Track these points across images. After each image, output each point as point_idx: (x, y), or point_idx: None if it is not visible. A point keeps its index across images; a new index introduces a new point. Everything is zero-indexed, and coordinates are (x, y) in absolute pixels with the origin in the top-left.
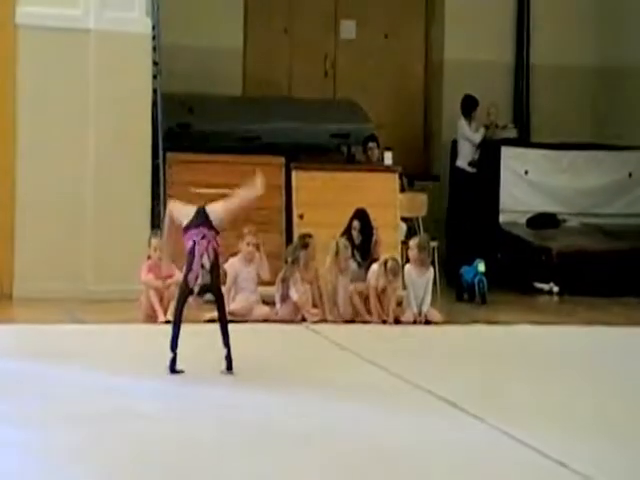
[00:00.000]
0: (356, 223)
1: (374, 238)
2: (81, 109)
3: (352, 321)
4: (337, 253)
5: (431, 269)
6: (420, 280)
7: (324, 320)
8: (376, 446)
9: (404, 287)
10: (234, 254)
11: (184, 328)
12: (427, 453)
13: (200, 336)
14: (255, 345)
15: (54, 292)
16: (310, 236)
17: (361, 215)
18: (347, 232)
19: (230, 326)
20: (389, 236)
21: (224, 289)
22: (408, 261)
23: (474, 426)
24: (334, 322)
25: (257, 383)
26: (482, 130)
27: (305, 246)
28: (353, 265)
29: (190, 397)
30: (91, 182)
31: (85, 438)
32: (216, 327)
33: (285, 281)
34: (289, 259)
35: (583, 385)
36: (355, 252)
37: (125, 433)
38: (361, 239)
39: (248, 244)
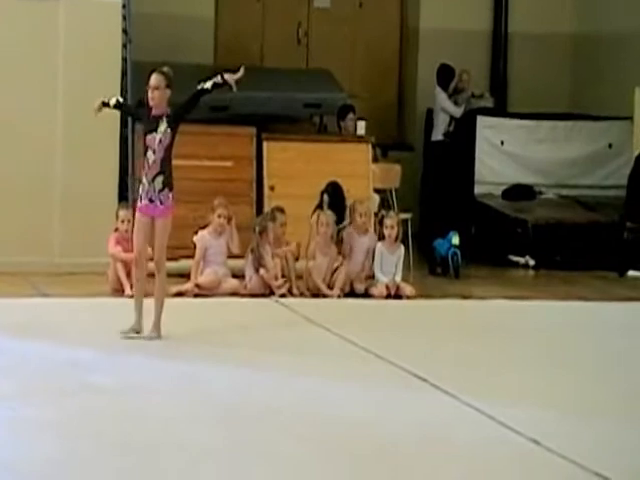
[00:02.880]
0: (326, 197)
1: (347, 209)
2: (50, 78)
3: (317, 295)
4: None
5: (401, 246)
6: (391, 257)
7: (291, 293)
8: (344, 419)
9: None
10: (204, 227)
11: (148, 303)
12: (395, 427)
13: (166, 309)
14: (222, 319)
15: (19, 265)
16: (281, 210)
17: (332, 189)
18: (319, 207)
19: (198, 300)
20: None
21: (193, 261)
22: (382, 238)
23: (445, 402)
24: (302, 296)
25: (222, 357)
26: (463, 106)
27: (273, 219)
28: None
29: (156, 371)
30: (59, 153)
31: (48, 413)
32: (182, 302)
33: (254, 252)
34: (256, 229)
35: (557, 361)
36: None
37: (90, 407)
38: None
39: (219, 216)
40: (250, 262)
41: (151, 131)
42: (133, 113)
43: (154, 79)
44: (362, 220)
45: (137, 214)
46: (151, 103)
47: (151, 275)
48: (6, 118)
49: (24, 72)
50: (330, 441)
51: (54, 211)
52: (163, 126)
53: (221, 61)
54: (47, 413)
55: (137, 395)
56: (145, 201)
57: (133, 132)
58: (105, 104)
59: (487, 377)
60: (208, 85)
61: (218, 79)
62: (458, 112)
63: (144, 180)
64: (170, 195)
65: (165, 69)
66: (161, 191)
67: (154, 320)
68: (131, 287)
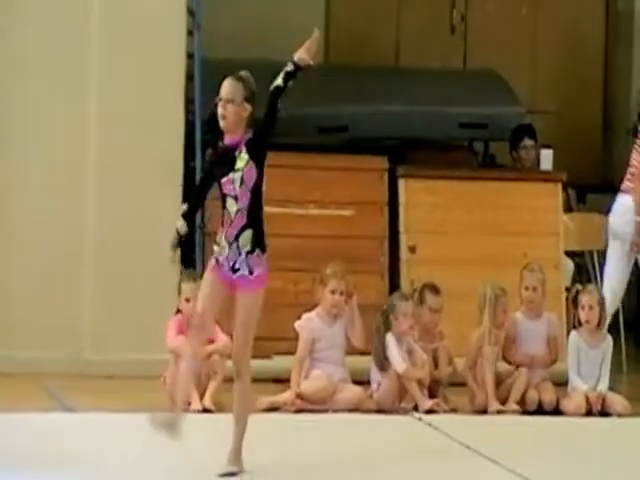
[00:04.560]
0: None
1: None
2: (84, 84)
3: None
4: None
5: (609, 337)
6: (593, 352)
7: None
8: None
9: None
10: (311, 308)
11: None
12: None
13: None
14: (337, 445)
15: (32, 363)
16: (435, 290)
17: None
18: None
19: (301, 416)
20: (548, 279)
21: (294, 360)
22: (577, 325)
23: None
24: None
25: None
26: None
27: (422, 301)
28: None
29: None
30: (91, 196)
31: None
32: (276, 419)
33: (377, 346)
34: (385, 307)
35: None
36: None
37: None
38: None
39: (333, 292)
40: (375, 357)
41: (227, 171)
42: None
43: (226, 88)
44: (529, 295)
45: (209, 273)
46: (222, 125)
47: (229, 380)
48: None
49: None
50: None
51: (82, 284)
52: (244, 159)
53: (336, 59)
54: None
55: None
56: (225, 270)
57: (203, 161)
58: (180, 241)
59: None
60: (279, 81)
61: (289, 67)
62: None
63: (222, 241)
64: (263, 259)
65: (244, 74)
66: (250, 253)
67: (233, 446)
68: (201, 397)
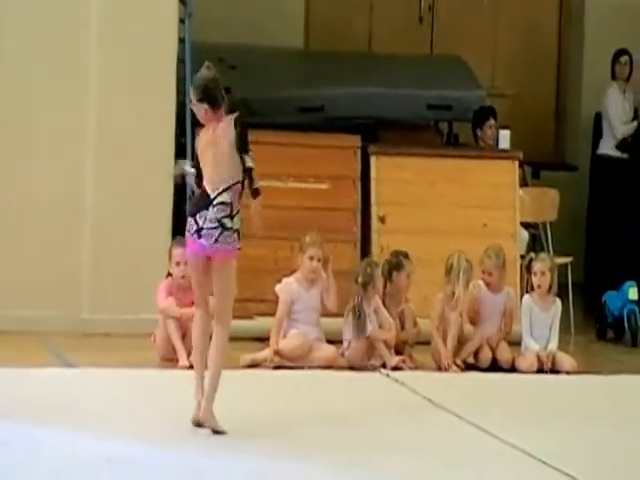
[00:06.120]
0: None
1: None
2: (78, 66)
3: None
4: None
5: (558, 301)
6: (544, 315)
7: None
8: None
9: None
10: (290, 273)
11: None
12: None
13: (235, 385)
14: (311, 400)
15: (34, 322)
16: (406, 256)
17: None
18: None
19: (279, 373)
20: (505, 248)
21: (274, 320)
22: (530, 289)
23: None
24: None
25: (313, 455)
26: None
27: (398, 267)
28: None
29: (217, 473)
30: (90, 171)
31: None
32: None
33: (356, 311)
34: (359, 280)
35: None
36: None
37: None
38: None
39: (311, 258)
40: (350, 323)
41: None
42: None
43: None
44: (486, 278)
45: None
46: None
47: None
48: (19, 123)
49: (46, 62)
50: None
51: (82, 249)
52: None
53: (315, 45)
54: None
55: None
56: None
57: (193, 139)
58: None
59: None
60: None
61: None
62: (626, 130)
63: None
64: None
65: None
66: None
67: (205, 403)
68: (188, 354)
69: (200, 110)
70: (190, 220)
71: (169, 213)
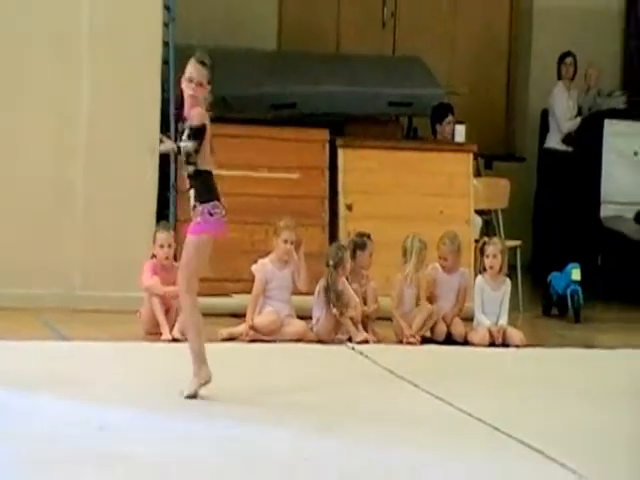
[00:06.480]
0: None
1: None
2: (71, 66)
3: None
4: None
5: (507, 281)
6: (495, 293)
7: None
8: None
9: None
10: (265, 255)
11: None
12: None
13: (213, 357)
14: (283, 371)
15: (30, 299)
16: (369, 237)
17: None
18: None
19: (254, 346)
20: (460, 233)
21: (250, 298)
22: (482, 270)
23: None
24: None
25: (284, 421)
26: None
27: (362, 247)
28: None
29: (199, 438)
30: (81, 161)
31: None
32: (233, 348)
33: (328, 290)
34: (330, 262)
35: None
36: None
37: None
38: None
39: (285, 241)
40: (320, 300)
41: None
42: None
43: (198, 72)
44: (442, 262)
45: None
46: (189, 102)
47: None
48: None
49: (40, 57)
50: None
51: (74, 231)
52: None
53: (287, 46)
54: None
55: (176, 468)
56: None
57: (176, 132)
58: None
59: (617, 452)
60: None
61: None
62: (571, 126)
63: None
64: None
65: (207, 60)
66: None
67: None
68: (171, 329)
69: (206, 89)
70: (219, 204)
71: (154, 199)
